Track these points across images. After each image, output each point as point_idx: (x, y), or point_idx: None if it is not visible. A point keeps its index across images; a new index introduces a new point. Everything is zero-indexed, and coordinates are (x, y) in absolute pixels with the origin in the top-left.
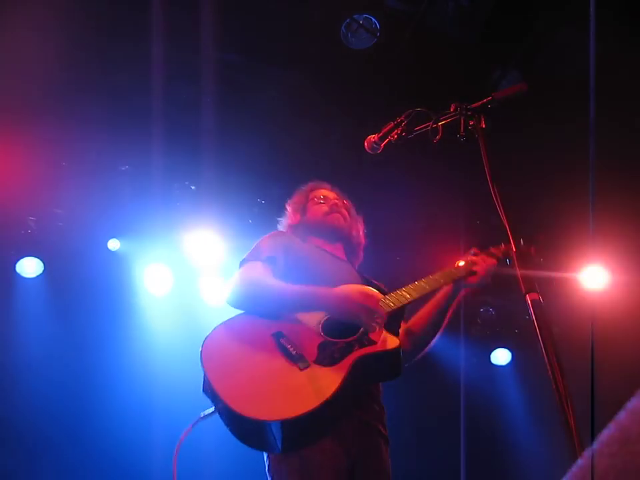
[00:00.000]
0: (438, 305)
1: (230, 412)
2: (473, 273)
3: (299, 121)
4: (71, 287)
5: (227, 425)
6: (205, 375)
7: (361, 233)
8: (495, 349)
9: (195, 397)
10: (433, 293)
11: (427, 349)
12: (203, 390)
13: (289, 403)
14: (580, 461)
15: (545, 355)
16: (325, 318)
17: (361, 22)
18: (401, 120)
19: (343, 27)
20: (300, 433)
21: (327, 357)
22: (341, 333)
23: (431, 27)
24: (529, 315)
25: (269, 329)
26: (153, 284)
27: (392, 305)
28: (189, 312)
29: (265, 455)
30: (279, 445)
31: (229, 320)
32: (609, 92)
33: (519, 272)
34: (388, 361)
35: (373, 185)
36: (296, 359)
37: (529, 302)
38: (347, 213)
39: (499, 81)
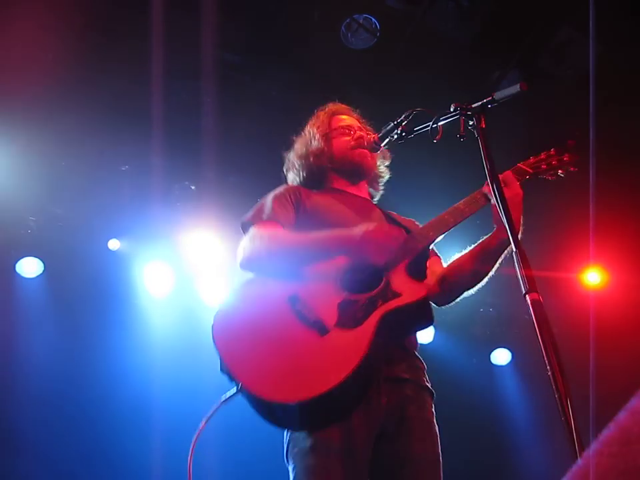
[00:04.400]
0: (478, 259)
1: (247, 392)
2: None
3: (298, 121)
4: (71, 287)
5: (249, 403)
6: (219, 356)
7: (385, 165)
8: (494, 348)
9: (195, 397)
10: (461, 222)
11: (464, 295)
12: (220, 369)
13: (308, 381)
14: (580, 461)
15: (544, 355)
16: (343, 270)
17: (360, 22)
18: (401, 120)
19: (343, 27)
20: (321, 411)
21: (349, 318)
22: (362, 286)
23: (431, 27)
24: (529, 315)
25: (284, 293)
26: (152, 284)
27: (418, 244)
28: (188, 312)
29: (286, 437)
30: (298, 425)
31: (241, 286)
32: (609, 91)
33: (519, 272)
34: (416, 312)
35: None
36: (314, 325)
37: (529, 302)
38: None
39: (499, 81)
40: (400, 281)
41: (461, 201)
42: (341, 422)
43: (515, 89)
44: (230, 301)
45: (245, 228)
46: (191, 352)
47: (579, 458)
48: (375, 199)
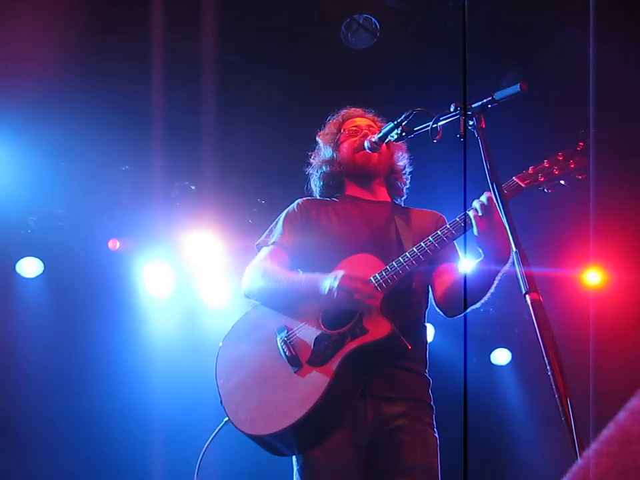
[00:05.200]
0: (478, 275)
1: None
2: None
3: (298, 121)
4: (71, 287)
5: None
6: (217, 386)
7: (403, 158)
8: (494, 348)
9: (195, 396)
10: (436, 250)
11: (475, 306)
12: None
13: (279, 414)
14: (580, 461)
15: (545, 355)
16: (325, 306)
17: (361, 22)
18: (401, 120)
19: (343, 27)
20: (297, 438)
21: (320, 354)
22: (339, 322)
23: (431, 27)
24: (529, 314)
25: (275, 323)
26: (152, 284)
27: (385, 283)
28: (188, 312)
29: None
30: (285, 451)
31: (245, 315)
32: (609, 91)
33: (519, 272)
34: (383, 347)
35: None
36: (291, 360)
37: (529, 302)
38: (383, 144)
39: (499, 81)
40: (371, 317)
41: (444, 226)
42: (324, 442)
43: (515, 89)
44: (232, 334)
45: (257, 249)
46: (191, 352)
47: (578, 458)
48: (402, 197)
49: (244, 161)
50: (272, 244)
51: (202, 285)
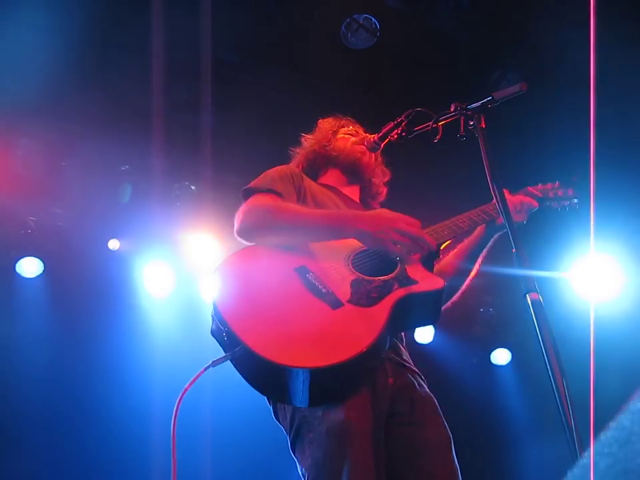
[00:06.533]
0: (468, 249)
1: (251, 356)
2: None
3: (298, 121)
4: (71, 287)
5: (244, 372)
6: (218, 312)
7: (384, 183)
8: (494, 348)
9: (196, 396)
10: (467, 232)
11: (457, 296)
12: (212, 332)
13: (320, 349)
14: (580, 461)
15: (544, 355)
16: (356, 251)
17: (361, 22)
18: (401, 120)
19: (342, 27)
20: (331, 383)
21: (362, 295)
22: (376, 270)
23: (431, 27)
24: (529, 315)
25: (290, 262)
26: (152, 284)
27: (436, 237)
28: (188, 312)
29: (292, 422)
30: (306, 397)
31: (242, 250)
32: (609, 91)
33: (518, 272)
34: (431, 302)
35: None
36: (327, 297)
37: (529, 302)
38: (374, 155)
39: (499, 81)
40: (416, 270)
41: (474, 210)
42: (352, 400)
43: (515, 89)
44: (233, 260)
45: (245, 195)
46: (191, 352)
47: (579, 458)
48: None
49: (244, 161)
50: (270, 191)
51: (202, 285)
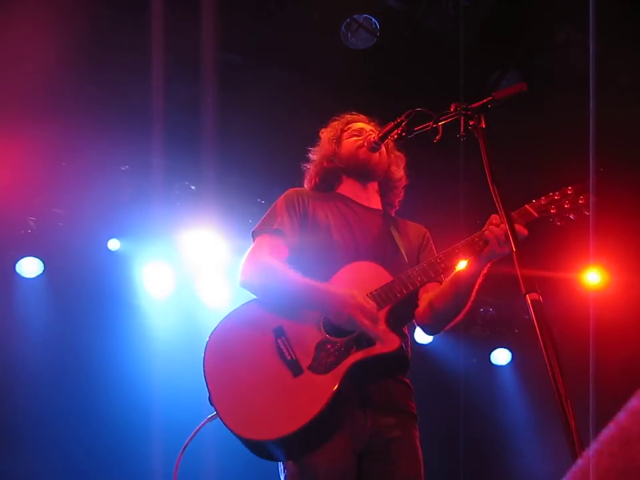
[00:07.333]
0: (461, 282)
1: (223, 424)
2: (487, 242)
3: (298, 121)
4: (71, 287)
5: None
6: (205, 381)
7: (401, 169)
8: (495, 348)
9: (195, 396)
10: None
11: (453, 324)
12: (208, 399)
13: (277, 420)
14: (580, 461)
15: (544, 355)
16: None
17: (361, 22)
18: (401, 120)
19: (342, 27)
20: (293, 446)
21: (322, 361)
22: (342, 329)
23: (431, 27)
24: (529, 315)
25: (271, 322)
26: (152, 284)
27: (390, 297)
28: (188, 311)
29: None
30: (278, 456)
31: (239, 308)
32: (609, 91)
33: (519, 272)
34: (388, 361)
35: None
36: (291, 365)
37: (529, 302)
38: (383, 148)
39: (499, 81)
40: (377, 329)
41: (458, 243)
42: (327, 445)
43: (515, 89)
44: (225, 322)
45: (253, 236)
46: (191, 352)
47: (578, 458)
48: (394, 209)
49: (244, 161)
50: (272, 232)
51: (202, 284)
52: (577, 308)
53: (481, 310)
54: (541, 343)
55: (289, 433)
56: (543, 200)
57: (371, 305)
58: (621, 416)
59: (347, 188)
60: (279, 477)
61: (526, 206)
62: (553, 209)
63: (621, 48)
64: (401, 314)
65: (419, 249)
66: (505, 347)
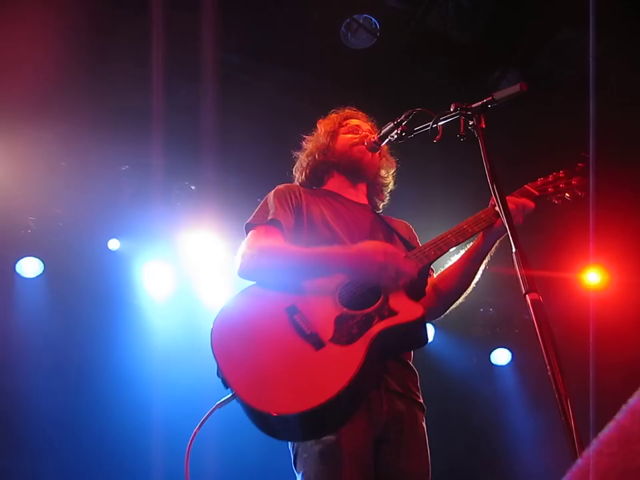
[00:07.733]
0: (468, 259)
1: (244, 404)
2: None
3: (298, 121)
4: (71, 287)
5: (245, 412)
6: (216, 362)
7: (390, 174)
8: (495, 348)
9: (195, 396)
10: (462, 242)
11: (457, 303)
12: (217, 374)
13: (303, 393)
14: (580, 461)
15: (544, 354)
16: (343, 285)
17: (361, 22)
18: (401, 120)
19: (342, 27)
20: (319, 422)
21: (344, 333)
22: (360, 302)
23: (431, 27)
24: (529, 314)
25: (282, 302)
26: (152, 284)
27: (419, 262)
28: (188, 311)
29: (293, 444)
30: (300, 435)
31: (240, 294)
32: (609, 91)
33: (518, 272)
34: (411, 331)
35: None
36: (310, 338)
37: (529, 302)
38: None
39: (499, 81)
40: (398, 299)
41: (465, 221)
42: (343, 427)
43: (515, 89)
44: (229, 307)
45: (247, 229)
46: (191, 352)
47: (578, 458)
48: (378, 210)
49: (244, 161)
50: (267, 222)
51: (202, 284)
52: (577, 308)
53: (481, 310)
54: (541, 343)
55: (319, 404)
56: (539, 181)
57: (395, 249)
58: (621, 416)
59: (337, 184)
60: (291, 464)
61: (525, 186)
62: (550, 187)
63: (621, 48)
64: (418, 288)
65: (409, 240)
66: (505, 347)
